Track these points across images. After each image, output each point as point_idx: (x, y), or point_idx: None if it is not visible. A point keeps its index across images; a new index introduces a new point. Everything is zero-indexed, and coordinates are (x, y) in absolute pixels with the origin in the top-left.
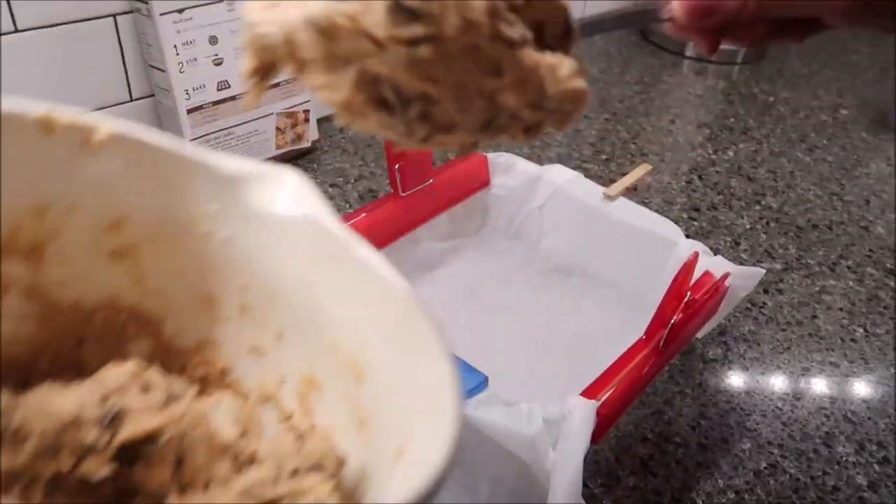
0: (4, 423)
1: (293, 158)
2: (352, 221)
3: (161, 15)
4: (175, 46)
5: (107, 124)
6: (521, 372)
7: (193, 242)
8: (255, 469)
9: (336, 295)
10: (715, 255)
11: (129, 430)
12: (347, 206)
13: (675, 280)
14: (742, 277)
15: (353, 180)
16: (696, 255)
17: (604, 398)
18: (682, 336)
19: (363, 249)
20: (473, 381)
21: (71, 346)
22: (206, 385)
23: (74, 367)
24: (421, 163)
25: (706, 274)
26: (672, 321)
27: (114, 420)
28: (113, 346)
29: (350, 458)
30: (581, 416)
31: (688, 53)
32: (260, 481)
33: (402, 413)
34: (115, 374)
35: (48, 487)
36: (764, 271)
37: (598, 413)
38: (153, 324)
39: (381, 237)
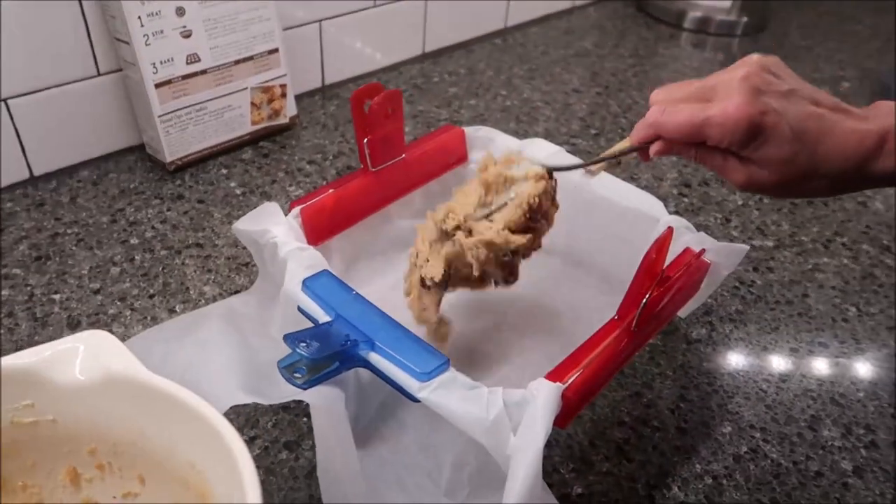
0: None
1: (271, 134)
2: (319, 197)
3: None
4: (139, 18)
5: None
6: (496, 355)
7: (28, 434)
8: None
9: (165, 433)
10: (705, 232)
11: None
12: (325, 182)
13: (646, 256)
14: (724, 254)
15: (331, 157)
16: (671, 229)
17: (570, 381)
18: (659, 316)
19: (164, 386)
20: (434, 363)
21: None
22: None
23: None
24: (392, 138)
25: (686, 251)
26: (644, 300)
27: None
28: None
29: None
30: (544, 400)
31: (686, 25)
32: None
33: None
34: None
35: None
36: (748, 248)
37: (564, 396)
38: None
39: (349, 214)
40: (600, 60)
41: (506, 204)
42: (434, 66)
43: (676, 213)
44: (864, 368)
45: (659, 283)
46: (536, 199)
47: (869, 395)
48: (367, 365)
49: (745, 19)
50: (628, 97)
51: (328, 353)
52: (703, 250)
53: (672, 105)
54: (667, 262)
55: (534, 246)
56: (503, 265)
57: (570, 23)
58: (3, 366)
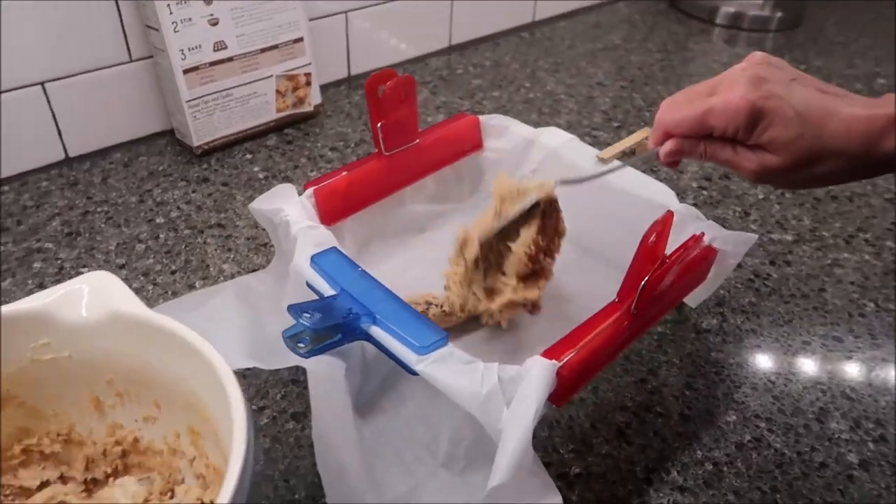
0: None
1: (296, 122)
2: (333, 179)
3: None
4: (168, 6)
5: None
6: (505, 340)
7: (50, 370)
8: None
9: (169, 366)
10: (723, 225)
11: None
12: None
13: (644, 238)
14: (732, 242)
15: (353, 144)
16: (670, 213)
17: (566, 360)
18: (661, 299)
19: (163, 323)
20: (432, 338)
21: (10, 478)
22: (127, 455)
23: (18, 493)
24: (406, 123)
25: (693, 237)
26: (643, 283)
27: None
28: (43, 463)
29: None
30: (538, 377)
31: (718, 21)
32: None
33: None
34: None
35: None
36: (755, 237)
37: (559, 374)
38: (65, 434)
39: (362, 196)
40: (627, 54)
41: (522, 217)
42: (460, 58)
43: (695, 205)
44: (878, 364)
45: (658, 266)
46: (532, 248)
47: (881, 390)
48: (369, 338)
49: (779, 14)
50: (653, 91)
51: (330, 324)
52: (702, 234)
53: (677, 105)
54: (672, 249)
55: (547, 277)
56: (524, 306)
57: (600, 17)
58: (17, 309)
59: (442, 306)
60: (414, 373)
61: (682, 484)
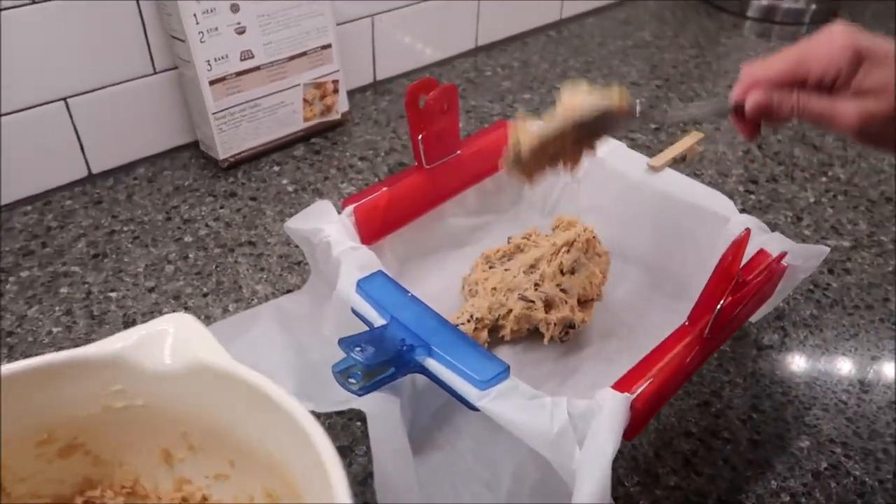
0: None
1: (323, 131)
2: (373, 195)
3: None
4: (195, 15)
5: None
6: (550, 362)
7: (121, 417)
8: None
9: (250, 421)
10: (773, 231)
11: None
12: (377, 179)
13: (722, 259)
14: (803, 256)
15: (383, 153)
16: (748, 231)
17: (639, 391)
18: (731, 322)
19: (249, 377)
20: (493, 371)
21: None
22: None
23: None
24: (447, 134)
25: (761, 252)
26: (719, 306)
27: None
28: None
29: None
30: (611, 412)
31: (750, 14)
32: None
33: None
34: None
35: None
36: (828, 249)
37: (632, 407)
38: (128, 487)
39: (404, 212)
40: (660, 52)
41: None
42: (487, 59)
43: (743, 210)
44: None
45: (734, 288)
46: (599, 275)
47: None
48: (424, 371)
49: (813, 7)
50: (689, 89)
51: (384, 358)
52: (784, 254)
53: (764, 61)
54: (741, 265)
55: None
56: (572, 326)
57: (628, 13)
58: (95, 352)
59: (488, 320)
60: (474, 408)
61: None
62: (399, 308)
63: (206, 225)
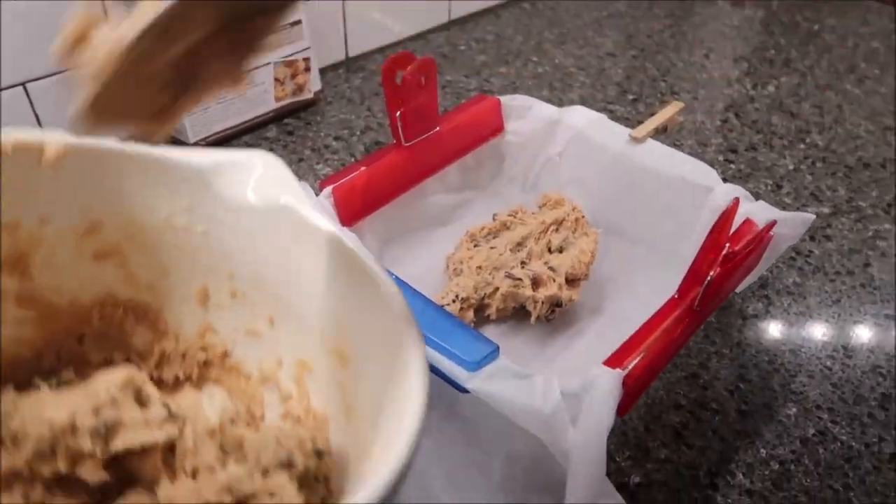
0: (4, 427)
1: (295, 111)
2: (351, 175)
3: None
4: None
5: (56, 139)
6: (537, 340)
7: (174, 238)
8: (235, 464)
9: (317, 284)
10: (756, 199)
11: (122, 442)
12: (353, 159)
13: (712, 230)
14: (788, 225)
15: (358, 132)
16: (737, 201)
17: (630, 367)
18: (719, 293)
19: (341, 240)
20: (483, 351)
21: (73, 343)
22: (208, 368)
23: (77, 363)
24: (425, 109)
25: (747, 221)
26: (708, 278)
27: (107, 431)
28: (114, 340)
29: (337, 446)
30: (604, 389)
31: None
32: (237, 477)
33: (375, 409)
34: (105, 385)
35: (48, 485)
36: (813, 216)
37: (625, 384)
38: (150, 316)
39: (383, 191)
40: (635, 22)
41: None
42: (461, 33)
43: (725, 179)
44: None
45: (723, 259)
46: (589, 255)
47: None
48: None
49: None
50: (666, 59)
51: None
52: (773, 223)
53: None
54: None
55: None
56: (558, 304)
57: None
58: (179, 159)
59: (476, 299)
60: (465, 391)
61: (749, 487)
62: None
63: None
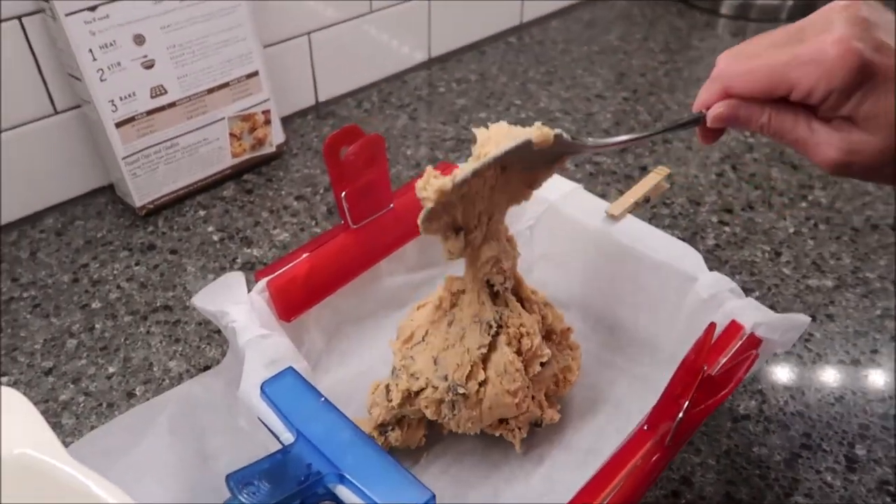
0: None
1: (256, 165)
2: (291, 264)
3: (67, 15)
4: (91, 51)
5: None
6: (505, 461)
7: None
8: None
9: None
10: (752, 270)
11: None
12: (314, 223)
13: (686, 358)
14: (780, 329)
15: (322, 190)
16: (713, 325)
17: None
18: (696, 424)
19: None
20: (415, 500)
21: None
22: None
23: None
24: (375, 188)
25: (732, 324)
26: (681, 412)
27: None
28: None
29: None
30: None
31: (723, 11)
32: None
33: None
34: None
35: None
36: (809, 320)
37: None
38: None
39: (330, 279)
40: (627, 57)
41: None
42: (441, 73)
43: (717, 245)
44: None
45: (700, 385)
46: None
47: None
48: (335, 500)
49: (790, 3)
50: (659, 102)
51: (284, 495)
52: (759, 341)
53: (746, 55)
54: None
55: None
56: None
57: (594, 13)
58: None
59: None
60: None
61: None
62: (308, 419)
63: (118, 286)
